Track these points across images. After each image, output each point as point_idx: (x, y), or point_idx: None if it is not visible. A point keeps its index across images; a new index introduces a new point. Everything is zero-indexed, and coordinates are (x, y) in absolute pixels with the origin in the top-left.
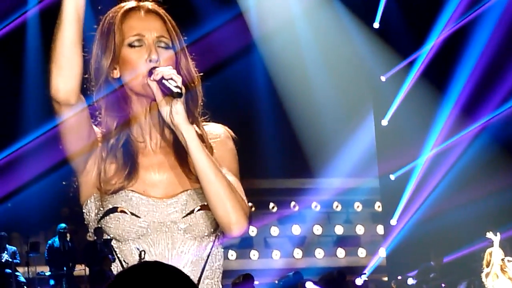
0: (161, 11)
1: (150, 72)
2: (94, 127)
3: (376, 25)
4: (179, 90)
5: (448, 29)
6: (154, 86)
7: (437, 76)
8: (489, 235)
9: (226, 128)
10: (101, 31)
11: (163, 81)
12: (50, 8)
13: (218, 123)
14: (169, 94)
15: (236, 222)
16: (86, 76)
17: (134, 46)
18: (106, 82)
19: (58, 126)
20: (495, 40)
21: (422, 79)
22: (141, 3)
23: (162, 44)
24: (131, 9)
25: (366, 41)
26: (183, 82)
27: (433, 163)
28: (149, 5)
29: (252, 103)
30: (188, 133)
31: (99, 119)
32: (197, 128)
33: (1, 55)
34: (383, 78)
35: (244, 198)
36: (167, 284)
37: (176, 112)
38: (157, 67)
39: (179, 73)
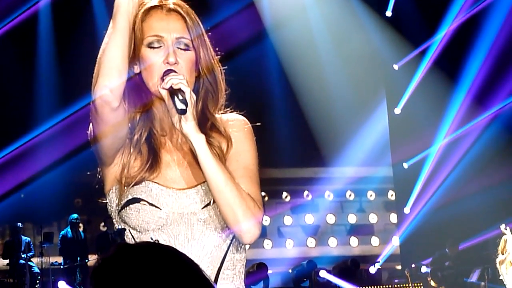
0: (184, 9)
1: (163, 77)
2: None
3: (388, 13)
4: (183, 107)
5: (460, 17)
6: (164, 94)
7: (450, 65)
8: (502, 227)
9: (245, 119)
10: None
11: (171, 91)
12: None
13: (231, 112)
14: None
15: (246, 231)
16: None
17: (153, 47)
18: (129, 77)
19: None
20: (507, 28)
21: (435, 67)
22: (164, 1)
23: (182, 46)
24: (153, 7)
25: (378, 29)
26: (207, 85)
27: (446, 151)
28: (172, 3)
29: (265, 93)
30: (197, 142)
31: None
32: (215, 123)
33: (13, 45)
34: (396, 67)
35: (259, 197)
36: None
37: (185, 121)
38: (172, 70)
39: (198, 72)
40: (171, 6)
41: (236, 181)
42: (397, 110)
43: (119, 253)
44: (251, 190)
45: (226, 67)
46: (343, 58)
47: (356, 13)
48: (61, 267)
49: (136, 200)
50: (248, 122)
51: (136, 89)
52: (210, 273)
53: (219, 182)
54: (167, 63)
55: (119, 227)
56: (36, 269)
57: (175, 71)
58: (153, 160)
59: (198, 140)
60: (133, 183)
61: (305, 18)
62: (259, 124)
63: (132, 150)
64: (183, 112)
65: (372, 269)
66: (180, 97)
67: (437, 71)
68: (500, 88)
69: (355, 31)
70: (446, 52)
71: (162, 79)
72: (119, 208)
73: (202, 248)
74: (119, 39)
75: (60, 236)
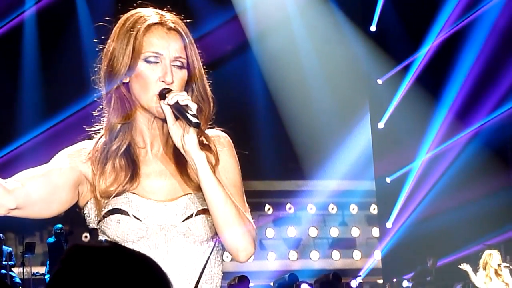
0: (182, 28)
1: (162, 94)
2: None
3: (373, 28)
4: (197, 120)
5: (443, 33)
6: (167, 110)
7: (432, 81)
8: (463, 266)
9: (226, 135)
10: (118, 34)
11: (179, 107)
12: (47, 8)
13: (213, 124)
14: (186, 122)
15: (244, 249)
16: (97, 67)
17: (150, 62)
18: (117, 87)
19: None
20: (489, 45)
21: (418, 83)
22: (164, 19)
23: (178, 64)
24: (154, 24)
25: (362, 44)
26: (198, 102)
27: (428, 166)
28: (172, 22)
29: (247, 105)
30: (199, 159)
31: (103, 119)
32: (205, 141)
33: None
34: (379, 81)
35: (249, 217)
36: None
37: (188, 137)
38: (170, 90)
39: (192, 92)
40: (171, 25)
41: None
42: (380, 125)
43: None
44: (244, 209)
45: (208, 79)
46: (327, 71)
47: (341, 27)
48: (44, 277)
49: (116, 211)
50: (229, 137)
51: (121, 99)
52: (188, 287)
53: (219, 200)
54: (163, 81)
55: (102, 238)
56: (18, 279)
57: (171, 90)
58: (133, 172)
59: (199, 157)
60: (113, 196)
61: (289, 31)
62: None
63: (102, 164)
64: (197, 125)
65: (354, 283)
66: (191, 112)
67: (420, 87)
68: (481, 105)
69: (339, 45)
70: (429, 68)
71: (162, 96)
72: (98, 219)
73: (181, 261)
74: None
75: (49, 243)
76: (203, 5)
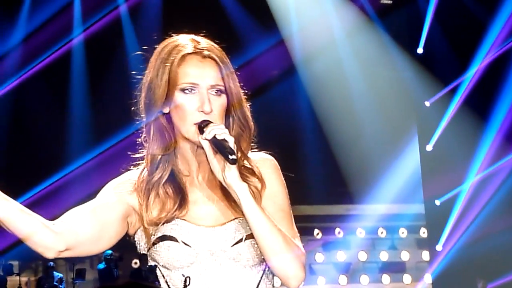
0: (217, 55)
1: (201, 127)
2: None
3: (419, 50)
4: (234, 157)
5: (491, 54)
6: (206, 144)
7: (480, 103)
8: None
9: (273, 158)
10: (154, 65)
11: (216, 142)
12: (95, 36)
13: (261, 149)
14: (223, 158)
15: (294, 276)
16: (136, 98)
17: (187, 93)
18: (156, 117)
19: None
20: None
21: (466, 105)
22: (199, 46)
23: (216, 92)
24: (188, 54)
25: (409, 66)
26: (238, 127)
27: (478, 188)
28: (206, 49)
29: (295, 129)
30: (241, 191)
31: (144, 149)
32: (248, 164)
33: (46, 84)
34: (427, 104)
35: (299, 239)
36: None
37: (228, 171)
38: (209, 121)
39: (233, 118)
40: (206, 52)
41: (278, 226)
42: (429, 147)
43: None
44: (291, 233)
45: (255, 104)
46: (374, 94)
47: (387, 50)
48: None
49: (166, 238)
50: (275, 161)
51: (161, 130)
52: None
53: (265, 230)
54: (202, 111)
55: (152, 264)
56: None
57: (211, 121)
58: (182, 200)
59: (241, 189)
60: (161, 223)
61: (336, 55)
62: (290, 167)
63: (147, 195)
64: (234, 162)
65: None
66: (228, 148)
67: (468, 108)
68: None
69: (386, 67)
70: (477, 89)
71: (201, 130)
72: (149, 246)
73: (232, 286)
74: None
75: (99, 270)
76: (249, 31)
